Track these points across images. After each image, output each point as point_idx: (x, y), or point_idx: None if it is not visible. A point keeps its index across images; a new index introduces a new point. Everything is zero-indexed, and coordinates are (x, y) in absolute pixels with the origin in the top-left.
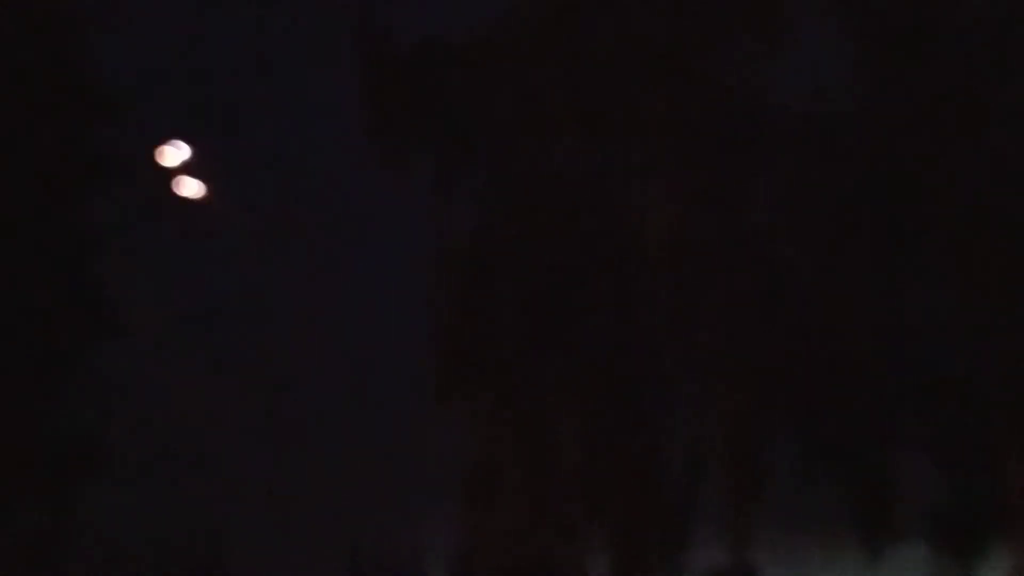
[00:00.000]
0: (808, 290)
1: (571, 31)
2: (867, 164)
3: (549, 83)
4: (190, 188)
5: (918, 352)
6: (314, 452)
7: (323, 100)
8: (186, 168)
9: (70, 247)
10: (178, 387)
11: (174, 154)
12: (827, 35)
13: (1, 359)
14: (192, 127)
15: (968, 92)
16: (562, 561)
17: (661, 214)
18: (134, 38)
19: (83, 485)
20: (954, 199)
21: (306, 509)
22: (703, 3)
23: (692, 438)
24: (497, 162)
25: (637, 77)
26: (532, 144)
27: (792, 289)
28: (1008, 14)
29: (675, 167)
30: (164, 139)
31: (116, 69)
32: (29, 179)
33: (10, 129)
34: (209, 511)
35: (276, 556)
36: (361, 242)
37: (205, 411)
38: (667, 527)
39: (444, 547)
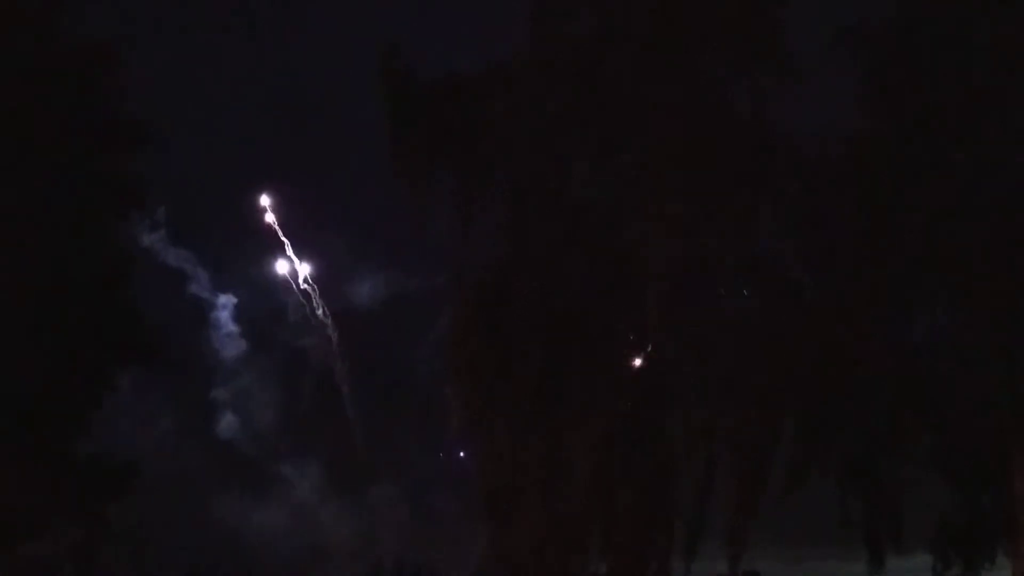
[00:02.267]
0: (817, 311)
1: (584, 65)
2: (871, 191)
3: (565, 114)
4: None
5: (924, 368)
6: (339, 468)
7: (350, 131)
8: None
9: (102, 274)
10: (206, 407)
11: None
12: (835, 69)
13: (38, 381)
14: (220, 157)
15: (971, 122)
16: (577, 572)
17: (673, 239)
18: (165, 72)
19: (117, 501)
20: (960, 223)
21: (332, 524)
22: (714, 38)
23: (702, 454)
24: (515, 189)
25: (649, 108)
26: (549, 172)
27: (802, 311)
28: (1011, 47)
29: (687, 194)
30: (193, 168)
31: (147, 102)
32: (62, 209)
33: (42, 160)
34: (238, 525)
35: (302, 570)
36: (386, 263)
37: (232, 428)
38: (677, 537)
39: (465, 561)
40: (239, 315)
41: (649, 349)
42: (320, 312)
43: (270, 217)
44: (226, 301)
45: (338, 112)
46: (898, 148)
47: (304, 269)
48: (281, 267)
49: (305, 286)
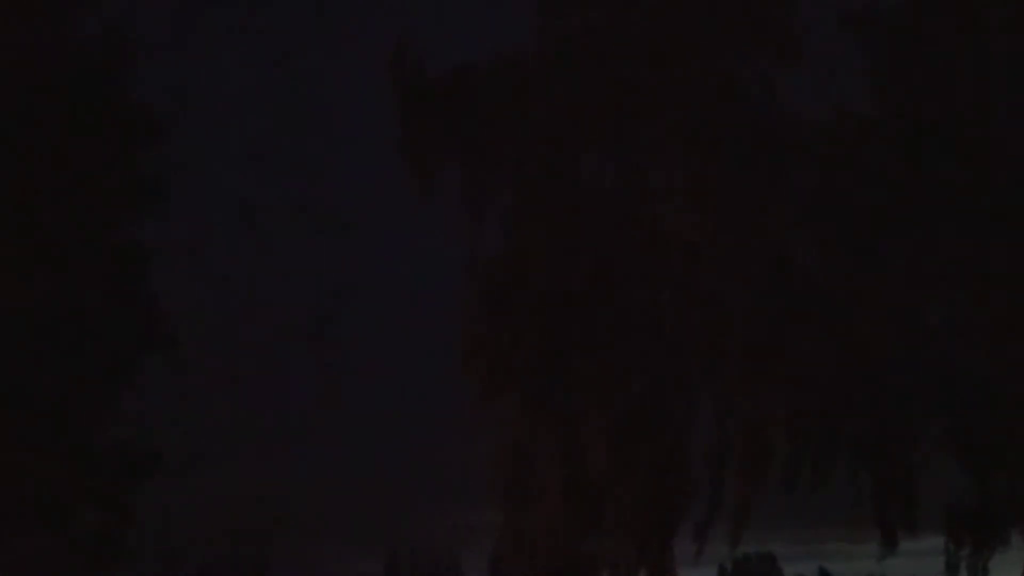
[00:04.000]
0: (829, 294)
1: (594, 52)
2: (883, 176)
3: (573, 101)
4: None
5: (936, 351)
6: (354, 456)
7: (359, 122)
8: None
9: (122, 265)
10: (223, 395)
11: None
12: (843, 49)
13: (60, 371)
14: (233, 149)
15: (982, 101)
16: (592, 554)
17: (684, 223)
18: (177, 64)
19: (137, 488)
20: (971, 204)
21: (347, 510)
22: (723, 21)
23: (716, 435)
24: (524, 177)
25: (659, 94)
26: (558, 159)
27: (813, 293)
28: (1020, 25)
29: (698, 178)
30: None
31: (161, 95)
32: (80, 201)
33: (60, 153)
34: (254, 512)
35: (317, 555)
36: (397, 253)
37: (250, 417)
38: (691, 519)
39: (479, 545)
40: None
41: (661, 333)
42: None
43: None
44: None
45: (344, 107)
46: (911, 131)
47: None
48: None
49: None
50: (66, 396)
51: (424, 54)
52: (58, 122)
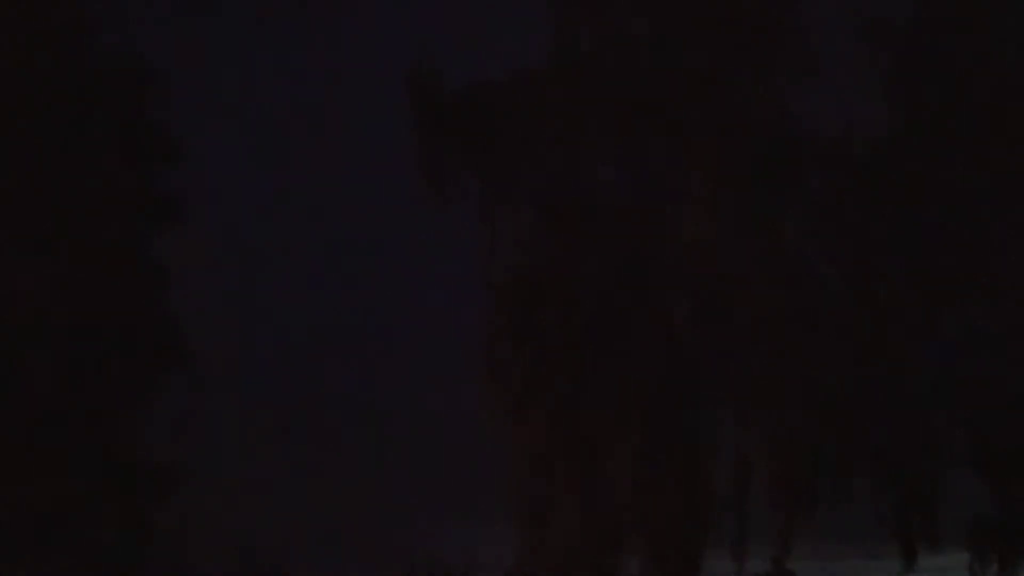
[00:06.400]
0: (846, 308)
1: (609, 67)
2: (898, 187)
3: (589, 115)
4: None
5: (956, 363)
6: (371, 471)
7: (377, 139)
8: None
9: (141, 283)
10: (241, 411)
11: None
12: (857, 65)
13: (81, 388)
14: (252, 168)
15: (995, 116)
16: (611, 571)
17: (701, 239)
18: (198, 84)
19: (157, 505)
20: (987, 215)
21: (365, 526)
22: (737, 36)
23: (736, 453)
24: (541, 192)
25: (675, 110)
26: (574, 173)
27: (831, 308)
28: None
29: (714, 194)
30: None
31: (182, 115)
32: (100, 221)
33: (80, 174)
34: (269, 526)
35: (333, 570)
36: (414, 270)
37: (268, 435)
38: (712, 538)
39: (497, 561)
40: None
41: (680, 347)
42: None
43: None
44: None
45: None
46: (924, 142)
47: None
48: None
49: None
50: (88, 413)
51: (441, 70)
52: (78, 143)
